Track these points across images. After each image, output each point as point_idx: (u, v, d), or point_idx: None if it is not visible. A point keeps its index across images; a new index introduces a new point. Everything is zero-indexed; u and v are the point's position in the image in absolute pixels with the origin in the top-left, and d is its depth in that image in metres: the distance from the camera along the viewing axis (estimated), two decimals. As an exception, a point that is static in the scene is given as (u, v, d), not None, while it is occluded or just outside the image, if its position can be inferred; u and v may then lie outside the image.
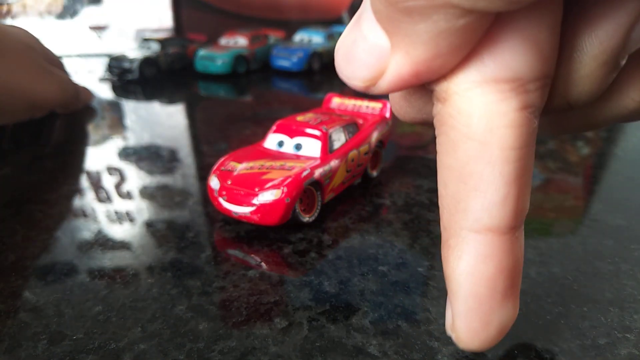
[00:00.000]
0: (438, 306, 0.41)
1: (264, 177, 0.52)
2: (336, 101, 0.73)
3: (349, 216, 0.57)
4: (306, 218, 0.54)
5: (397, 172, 0.70)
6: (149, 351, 0.36)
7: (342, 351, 0.36)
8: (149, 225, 0.56)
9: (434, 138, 0.22)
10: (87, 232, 0.54)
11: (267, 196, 0.50)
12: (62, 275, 0.46)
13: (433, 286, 0.44)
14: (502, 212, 0.19)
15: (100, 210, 0.60)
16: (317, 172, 0.54)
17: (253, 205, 0.51)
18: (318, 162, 0.55)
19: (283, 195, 0.50)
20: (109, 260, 0.49)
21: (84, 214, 0.59)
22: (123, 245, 0.51)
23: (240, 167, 0.55)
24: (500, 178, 0.19)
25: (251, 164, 0.55)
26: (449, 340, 0.37)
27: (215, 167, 0.57)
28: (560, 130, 0.25)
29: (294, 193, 0.50)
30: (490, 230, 0.19)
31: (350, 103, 0.72)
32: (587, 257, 0.48)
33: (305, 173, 0.52)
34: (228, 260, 0.48)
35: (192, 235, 0.53)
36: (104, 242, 0.52)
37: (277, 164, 0.54)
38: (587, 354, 0.35)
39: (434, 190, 0.64)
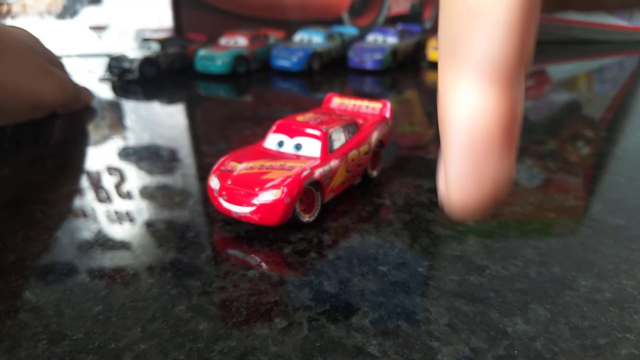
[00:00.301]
0: (438, 306, 0.41)
1: (264, 177, 0.52)
2: (336, 101, 0.73)
3: (349, 216, 0.57)
4: (306, 218, 0.54)
5: (397, 172, 0.70)
6: (149, 351, 0.36)
7: (342, 351, 0.36)
8: (149, 225, 0.56)
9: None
10: (87, 232, 0.54)
11: (267, 196, 0.50)
12: (62, 275, 0.46)
13: (433, 286, 0.44)
14: (505, 50, 0.18)
15: (100, 210, 0.60)
16: (317, 172, 0.54)
17: (253, 205, 0.51)
18: (318, 162, 0.55)
19: (283, 195, 0.50)
20: (109, 260, 0.49)
21: (84, 214, 0.59)
22: (123, 245, 0.51)
23: (240, 167, 0.55)
24: (506, 15, 0.18)
25: (251, 164, 0.55)
26: (449, 340, 0.37)
27: (215, 167, 0.57)
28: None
29: (294, 193, 0.50)
30: (491, 71, 0.19)
31: (350, 103, 0.72)
32: (587, 257, 0.48)
33: (305, 173, 0.52)
34: (228, 260, 0.48)
35: (192, 235, 0.53)
36: (104, 242, 0.52)
37: (277, 164, 0.54)
38: (587, 354, 0.35)
39: (434, 190, 0.64)
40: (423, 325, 0.39)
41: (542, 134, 0.88)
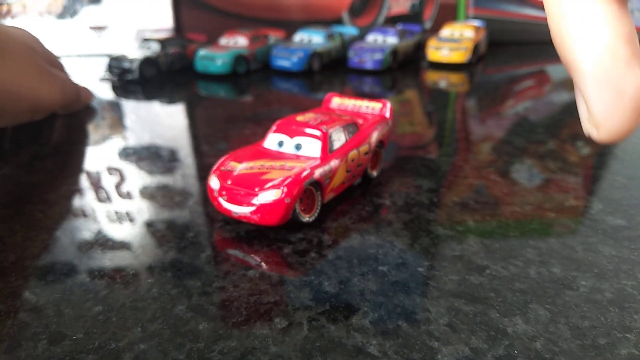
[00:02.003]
0: (438, 306, 0.41)
1: (264, 177, 0.52)
2: (336, 101, 0.73)
3: (349, 216, 0.57)
4: (306, 218, 0.54)
5: (397, 172, 0.70)
6: (149, 351, 0.36)
7: (342, 351, 0.36)
8: (149, 225, 0.56)
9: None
10: (87, 232, 0.54)
11: (267, 196, 0.50)
12: (62, 275, 0.46)
13: (433, 286, 0.44)
14: None
15: (100, 210, 0.60)
16: (317, 172, 0.54)
17: (253, 205, 0.51)
18: (318, 162, 0.55)
19: (283, 195, 0.50)
20: (109, 260, 0.49)
21: (84, 214, 0.59)
22: (123, 245, 0.51)
23: (240, 167, 0.55)
24: None
25: (251, 164, 0.55)
26: (449, 340, 0.37)
27: (215, 167, 0.57)
28: None
29: (294, 193, 0.50)
30: None
31: (350, 103, 0.72)
32: (587, 257, 0.48)
33: (305, 173, 0.52)
34: (228, 260, 0.48)
35: (192, 235, 0.53)
36: (104, 242, 0.52)
37: (277, 164, 0.54)
38: (587, 354, 0.35)
39: (434, 190, 0.64)
40: (423, 325, 0.39)
41: (542, 134, 0.88)
